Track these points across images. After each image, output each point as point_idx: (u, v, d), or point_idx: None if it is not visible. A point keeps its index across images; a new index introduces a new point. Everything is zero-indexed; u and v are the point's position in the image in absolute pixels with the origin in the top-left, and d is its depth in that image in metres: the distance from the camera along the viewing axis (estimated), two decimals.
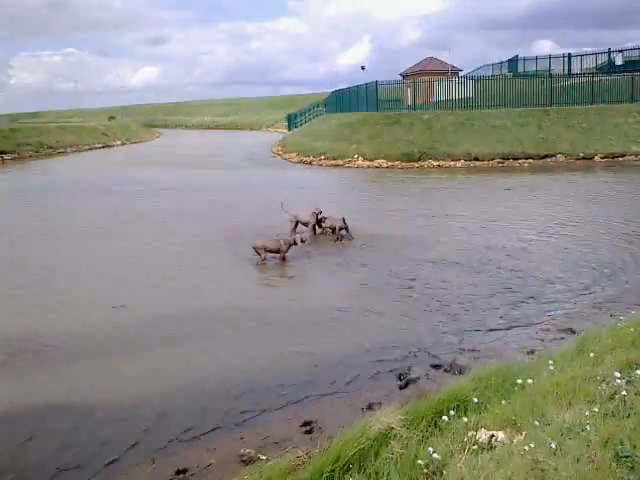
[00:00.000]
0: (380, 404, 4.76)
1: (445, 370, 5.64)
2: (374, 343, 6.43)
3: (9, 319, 7.57)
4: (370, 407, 4.79)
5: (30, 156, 34.49)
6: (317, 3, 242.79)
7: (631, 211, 13.59)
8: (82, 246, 11.54)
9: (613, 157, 24.36)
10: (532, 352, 5.91)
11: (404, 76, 38.91)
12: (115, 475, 4.25)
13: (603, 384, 3.71)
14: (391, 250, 10.55)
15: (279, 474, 3.55)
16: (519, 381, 4.10)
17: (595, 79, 29.53)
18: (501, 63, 41.23)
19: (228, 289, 8.69)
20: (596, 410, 3.25)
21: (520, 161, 24.39)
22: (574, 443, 2.91)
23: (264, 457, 4.19)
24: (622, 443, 2.82)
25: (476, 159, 24.51)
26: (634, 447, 2.75)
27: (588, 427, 3.05)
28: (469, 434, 3.34)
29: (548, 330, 6.64)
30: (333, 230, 11.58)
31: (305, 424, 4.71)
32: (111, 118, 67.24)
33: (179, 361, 6.21)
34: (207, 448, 4.51)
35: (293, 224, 11.66)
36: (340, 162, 26.08)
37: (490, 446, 3.17)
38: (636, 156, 24.20)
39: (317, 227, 11.85)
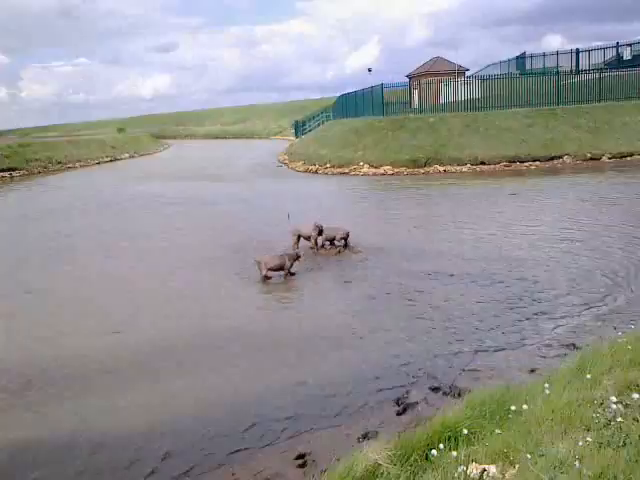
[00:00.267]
0: (376, 433, 4.69)
1: (444, 393, 5.53)
2: (372, 365, 6.33)
3: None
4: (366, 436, 4.71)
5: (39, 172, 34.88)
6: (326, 2, 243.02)
7: None
8: (83, 267, 11.63)
9: (621, 157, 24.06)
10: (533, 371, 5.81)
11: (410, 77, 38.45)
12: None
13: (599, 409, 3.60)
14: (393, 264, 10.40)
15: None
16: (513, 408, 4.00)
17: (603, 75, 28.98)
18: (509, 61, 40.78)
19: (227, 310, 8.58)
20: (590, 440, 3.15)
21: (527, 164, 24.14)
22: (567, 478, 2.81)
23: None
24: (615, 478, 2.73)
25: (482, 163, 24.35)
26: None
27: (582, 460, 2.93)
28: (460, 469, 3.25)
29: (551, 346, 6.51)
30: (331, 241, 11.52)
31: (299, 457, 4.64)
32: (120, 130, 68.04)
33: (162, 395, 6.00)
34: None
35: (295, 238, 11.63)
36: (346, 170, 26.08)
37: None
38: None
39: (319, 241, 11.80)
